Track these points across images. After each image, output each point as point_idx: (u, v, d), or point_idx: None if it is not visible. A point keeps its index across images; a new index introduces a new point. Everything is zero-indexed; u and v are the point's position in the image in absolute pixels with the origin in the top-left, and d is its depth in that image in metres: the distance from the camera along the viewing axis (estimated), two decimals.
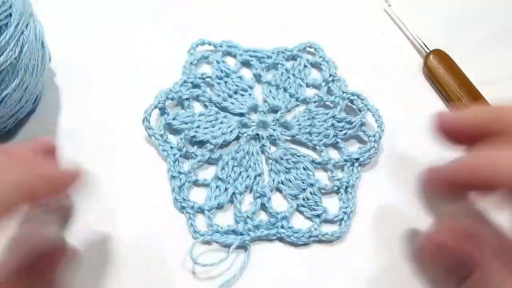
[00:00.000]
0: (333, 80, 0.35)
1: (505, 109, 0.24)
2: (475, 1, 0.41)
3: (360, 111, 0.33)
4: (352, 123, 0.32)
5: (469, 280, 0.22)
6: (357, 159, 0.31)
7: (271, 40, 0.37)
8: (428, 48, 0.37)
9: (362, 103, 0.33)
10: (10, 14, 0.27)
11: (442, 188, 0.24)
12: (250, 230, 0.28)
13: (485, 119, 0.24)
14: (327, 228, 0.29)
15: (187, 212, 0.29)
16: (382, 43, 0.38)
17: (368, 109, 0.33)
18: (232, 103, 0.33)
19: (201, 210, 0.29)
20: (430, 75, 0.36)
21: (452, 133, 0.27)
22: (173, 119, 0.32)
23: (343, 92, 0.34)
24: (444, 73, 0.35)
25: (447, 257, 0.23)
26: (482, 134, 0.25)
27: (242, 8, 0.39)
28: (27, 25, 0.29)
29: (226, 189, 0.29)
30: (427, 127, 0.33)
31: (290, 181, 0.30)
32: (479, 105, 0.26)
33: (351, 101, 0.33)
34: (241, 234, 0.28)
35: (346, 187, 0.30)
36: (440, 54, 0.36)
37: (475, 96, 0.34)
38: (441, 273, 0.24)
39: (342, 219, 0.29)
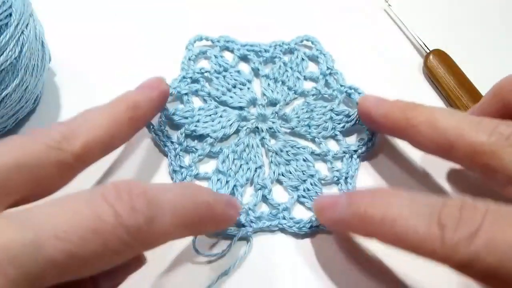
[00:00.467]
0: (330, 73, 0.35)
1: (416, 110, 0.26)
2: (475, 1, 0.42)
3: (358, 104, 0.33)
4: (350, 116, 0.33)
5: None
6: (355, 151, 0.31)
7: (269, 37, 0.37)
8: (428, 48, 0.37)
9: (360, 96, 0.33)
10: (10, 14, 0.28)
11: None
12: (252, 222, 0.28)
13: (395, 117, 0.27)
14: None
15: None
16: (381, 43, 0.38)
17: None
18: (231, 97, 0.33)
19: None
20: (430, 75, 0.36)
21: (368, 119, 0.29)
22: (173, 114, 0.32)
23: (341, 86, 0.34)
24: (444, 73, 0.35)
25: None
26: (394, 128, 0.27)
27: (239, 3, 0.40)
28: (27, 25, 0.29)
29: (227, 182, 0.30)
30: None
31: (291, 173, 0.30)
32: (400, 101, 0.28)
33: (349, 95, 0.34)
34: (243, 225, 0.28)
35: (346, 178, 0.30)
36: (440, 54, 0.36)
37: (475, 96, 0.34)
38: None
39: None
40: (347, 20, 0.39)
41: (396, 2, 0.40)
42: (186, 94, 0.33)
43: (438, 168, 0.32)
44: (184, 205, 0.20)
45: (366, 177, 0.31)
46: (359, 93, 0.34)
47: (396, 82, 0.36)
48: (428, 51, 0.37)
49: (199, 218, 0.22)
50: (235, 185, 0.30)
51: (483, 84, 0.34)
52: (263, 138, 0.32)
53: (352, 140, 0.32)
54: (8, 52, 0.28)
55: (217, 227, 0.25)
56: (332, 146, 0.32)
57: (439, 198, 0.21)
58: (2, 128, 0.30)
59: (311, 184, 0.30)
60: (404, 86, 0.36)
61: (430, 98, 0.36)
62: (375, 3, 0.41)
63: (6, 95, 0.28)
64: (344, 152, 0.31)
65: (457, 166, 0.30)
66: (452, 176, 0.31)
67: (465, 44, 0.38)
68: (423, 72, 0.37)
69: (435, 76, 0.35)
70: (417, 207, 0.21)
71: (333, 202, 0.24)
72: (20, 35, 0.28)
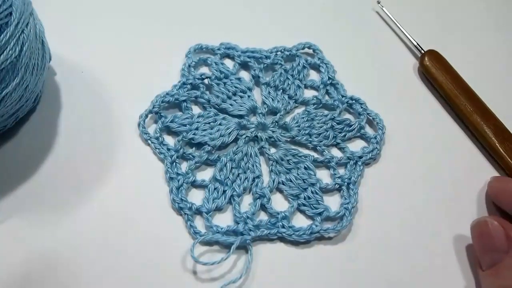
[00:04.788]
0: (331, 84, 0.34)
1: None
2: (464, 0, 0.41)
3: (359, 115, 0.33)
4: (351, 125, 0.32)
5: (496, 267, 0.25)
6: (360, 157, 0.31)
7: (268, 42, 0.36)
8: (422, 49, 0.36)
9: (361, 107, 0.33)
10: (10, 13, 0.27)
11: None
12: (250, 230, 0.27)
13: None
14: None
15: (185, 214, 0.28)
16: (374, 45, 0.38)
17: (367, 113, 0.33)
18: (231, 105, 0.33)
19: (199, 212, 0.28)
20: (427, 75, 0.36)
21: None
22: (171, 121, 0.31)
23: (342, 96, 0.34)
24: (441, 73, 0.35)
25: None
26: None
27: (240, 9, 0.39)
28: (27, 24, 0.28)
29: (224, 192, 0.29)
30: (425, 128, 0.34)
31: (291, 181, 0.30)
32: None
33: (350, 105, 0.33)
34: (242, 234, 0.27)
35: (348, 184, 0.30)
36: (435, 55, 0.36)
37: (470, 95, 0.34)
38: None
39: (344, 214, 0.29)
40: (339, 22, 0.39)
41: (387, 3, 0.39)
42: (185, 101, 0.32)
43: (442, 173, 0.32)
44: None
45: (369, 184, 0.31)
46: (360, 104, 0.33)
47: (392, 84, 0.36)
48: (423, 51, 0.36)
49: None
50: (232, 195, 0.29)
51: (476, 83, 0.35)
52: (262, 147, 0.31)
53: (354, 148, 0.32)
54: (9, 51, 0.27)
55: None
56: (335, 153, 0.32)
57: None
58: (2, 127, 0.30)
59: (312, 192, 0.29)
60: (400, 88, 0.36)
61: (426, 98, 0.35)
62: (367, 4, 0.40)
63: (7, 94, 0.28)
64: (348, 158, 0.31)
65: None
66: None
67: (457, 44, 0.38)
68: (418, 73, 0.36)
69: (433, 76, 0.35)
70: None
71: None
72: (20, 34, 0.28)
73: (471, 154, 0.33)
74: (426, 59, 0.36)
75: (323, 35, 0.37)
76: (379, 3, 0.39)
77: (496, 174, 0.32)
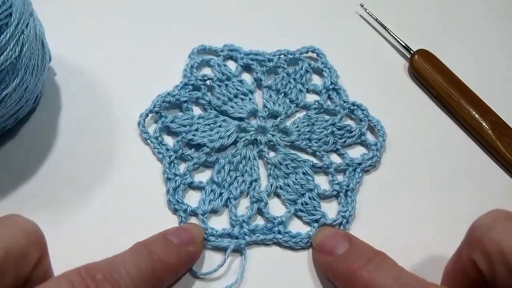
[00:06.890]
0: (333, 88, 0.34)
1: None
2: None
3: (361, 121, 0.33)
4: (352, 132, 0.32)
5: None
6: (359, 164, 0.31)
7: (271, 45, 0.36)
8: (411, 49, 0.36)
9: (363, 113, 0.33)
10: (10, 14, 0.27)
11: None
12: (246, 235, 0.27)
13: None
14: None
15: (179, 216, 0.28)
16: (362, 47, 0.38)
17: (369, 120, 0.33)
18: (232, 107, 0.33)
19: (194, 214, 0.28)
20: (418, 75, 0.35)
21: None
22: (171, 121, 0.31)
23: (344, 102, 0.34)
24: (432, 73, 0.35)
25: None
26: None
27: (244, 11, 0.39)
28: (27, 24, 0.28)
29: (220, 194, 0.29)
30: (425, 133, 0.33)
31: (289, 186, 0.30)
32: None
33: (351, 111, 0.33)
34: (237, 238, 0.27)
35: (346, 191, 0.29)
36: (425, 54, 0.36)
37: (466, 93, 0.34)
38: None
39: (341, 223, 0.28)
40: (326, 25, 0.39)
41: (372, 5, 0.39)
42: (186, 101, 0.32)
43: (442, 180, 0.31)
44: (141, 274, 0.22)
45: (368, 191, 0.30)
46: (362, 110, 0.33)
47: (383, 86, 0.35)
48: (412, 51, 0.36)
49: (158, 277, 0.23)
50: (228, 198, 0.29)
51: (472, 81, 0.35)
52: (261, 150, 0.31)
53: (354, 154, 0.32)
54: (9, 52, 0.27)
55: (182, 269, 0.26)
56: (334, 159, 0.32)
57: (421, 283, 0.22)
58: (2, 127, 0.30)
59: (310, 198, 0.29)
60: (391, 90, 0.35)
61: (418, 98, 0.35)
62: (352, 6, 0.40)
63: (6, 94, 0.28)
64: (347, 165, 0.31)
65: None
66: None
67: (445, 42, 0.38)
68: (409, 73, 0.36)
69: (424, 76, 0.35)
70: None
71: (331, 248, 0.25)
72: (20, 34, 0.28)
73: (473, 158, 0.33)
74: (415, 59, 0.36)
75: (324, 39, 0.37)
76: (362, 5, 0.39)
77: (498, 174, 0.32)
